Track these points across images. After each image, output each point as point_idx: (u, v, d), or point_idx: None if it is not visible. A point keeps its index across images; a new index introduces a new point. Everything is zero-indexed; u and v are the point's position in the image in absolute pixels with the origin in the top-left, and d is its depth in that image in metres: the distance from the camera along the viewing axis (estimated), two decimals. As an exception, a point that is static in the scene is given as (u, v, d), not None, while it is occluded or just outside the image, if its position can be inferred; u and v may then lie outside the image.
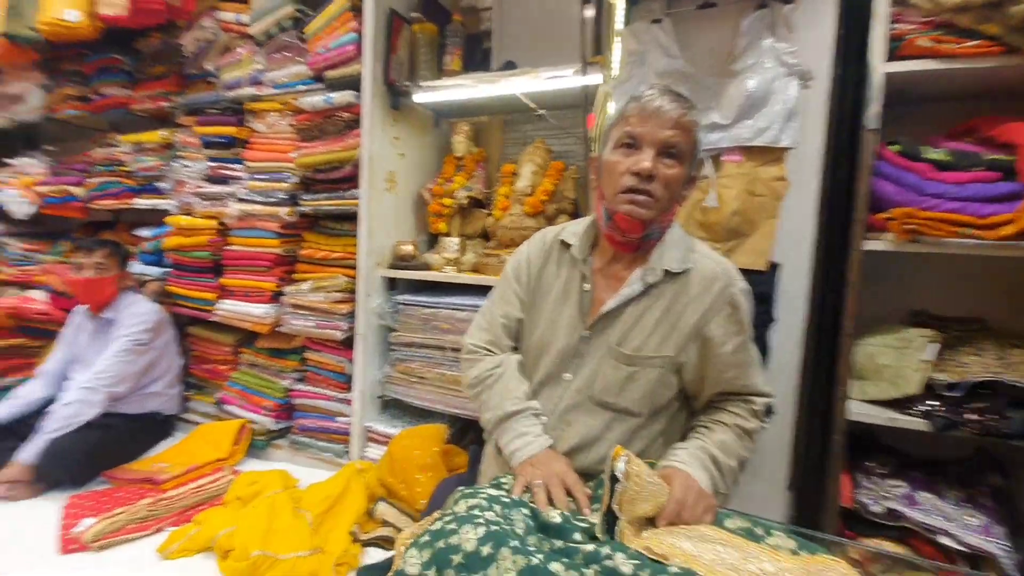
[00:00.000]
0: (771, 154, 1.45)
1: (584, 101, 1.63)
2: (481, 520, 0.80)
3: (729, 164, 1.49)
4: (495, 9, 2.05)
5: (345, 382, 1.97)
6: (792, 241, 1.54)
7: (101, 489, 1.81)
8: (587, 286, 1.10)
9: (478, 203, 1.98)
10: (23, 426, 2.02)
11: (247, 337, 2.22)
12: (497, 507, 0.87)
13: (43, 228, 2.98)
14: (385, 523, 1.56)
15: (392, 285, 1.97)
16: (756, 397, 1.09)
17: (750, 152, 1.47)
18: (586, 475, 1.02)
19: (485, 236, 1.99)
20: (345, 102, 1.82)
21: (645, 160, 0.98)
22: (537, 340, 1.14)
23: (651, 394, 1.05)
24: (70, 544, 1.51)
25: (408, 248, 1.93)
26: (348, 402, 1.95)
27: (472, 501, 0.88)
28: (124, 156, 2.43)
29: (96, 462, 1.89)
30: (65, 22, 2.14)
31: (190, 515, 1.66)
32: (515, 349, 1.21)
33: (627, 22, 1.49)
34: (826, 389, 1.35)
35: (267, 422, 2.07)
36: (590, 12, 1.51)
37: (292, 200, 1.99)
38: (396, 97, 1.89)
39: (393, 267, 1.92)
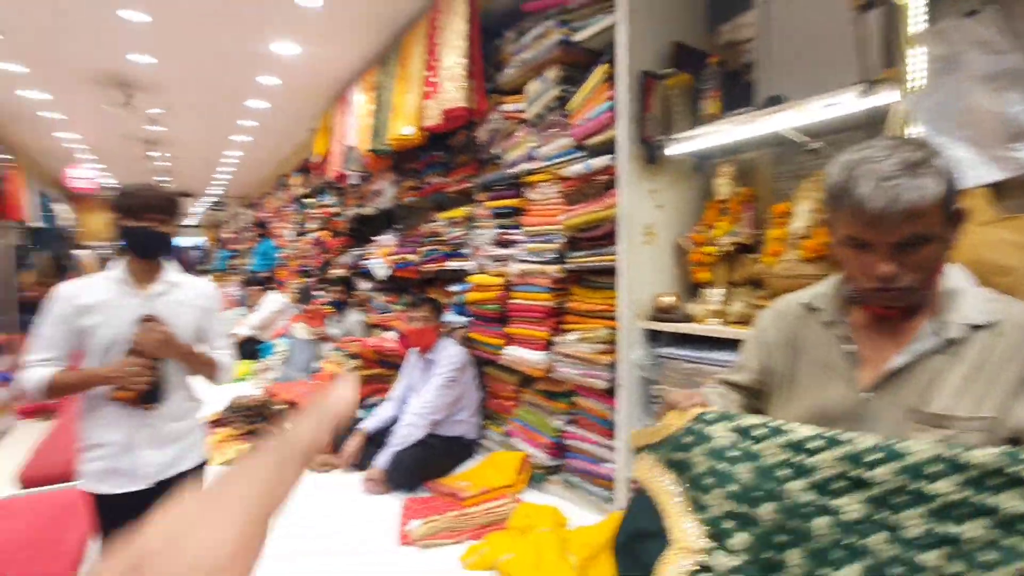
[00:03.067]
0: None
1: (870, 122, 1.36)
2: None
3: None
4: (758, 39, 1.91)
5: (610, 428, 2.04)
6: None
7: (424, 496, 2.28)
8: (851, 348, 0.93)
9: (745, 248, 1.84)
10: (380, 436, 2.73)
11: (527, 378, 2.53)
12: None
13: (393, 285, 4.02)
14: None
15: (655, 337, 1.97)
16: None
17: None
18: None
19: (755, 284, 1.82)
20: (602, 165, 1.95)
21: (883, 266, 0.81)
22: (803, 416, 0.99)
23: None
24: (405, 538, 1.96)
25: (669, 299, 1.91)
26: (613, 449, 2.01)
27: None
28: (440, 229, 3.09)
29: (422, 473, 2.40)
30: (404, 136, 2.89)
31: (482, 533, 1.96)
32: None
33: (930, 22, 1.20)
34: None
35: (543, 457, 2.29)
36: (872, 21, 1.27)
37: (560, 258, 2.20)
38: (652, 152, 1.92)
39: (653, 319, 1.93)
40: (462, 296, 2.90)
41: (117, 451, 1.50)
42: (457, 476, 2.42)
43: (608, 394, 2.02)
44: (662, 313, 1.92)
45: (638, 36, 1.88)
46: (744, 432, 0.85)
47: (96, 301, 1.48)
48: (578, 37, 2.12)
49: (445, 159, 3.10)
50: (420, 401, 2.53)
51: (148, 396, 1.50)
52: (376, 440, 2.72)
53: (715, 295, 1.80)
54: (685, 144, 1.82)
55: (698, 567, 0.78)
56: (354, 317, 3.93)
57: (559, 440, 2.27)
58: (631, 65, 1.86)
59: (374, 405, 3.17)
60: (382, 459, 2.40)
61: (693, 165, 2.09)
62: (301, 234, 6.05)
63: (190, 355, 1.58)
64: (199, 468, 1.66)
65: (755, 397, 1.10)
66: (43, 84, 4.33)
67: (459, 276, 3.07)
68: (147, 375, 1.47)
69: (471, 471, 2.45)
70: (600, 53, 2.09)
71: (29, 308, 6.08)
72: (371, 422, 2.76)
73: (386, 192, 3.68)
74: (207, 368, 1.64)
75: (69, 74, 4.09)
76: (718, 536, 0.80)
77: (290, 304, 5.15)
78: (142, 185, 1.54)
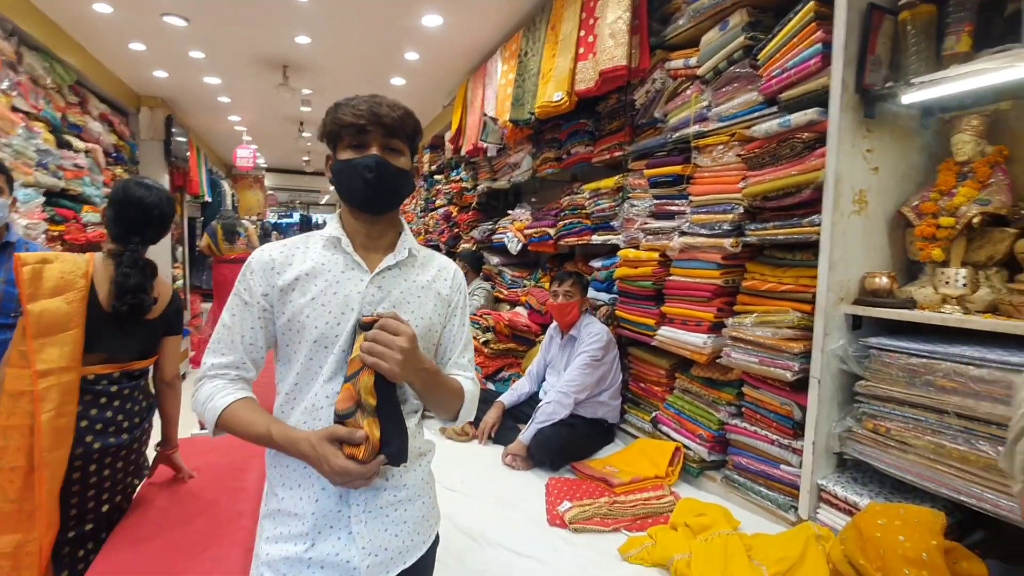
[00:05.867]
0: None
1: None
2: None
3: None
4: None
5: (791, 427, 1.79)
6: None
7: (570, 478, 2.19)
8: None
9: (1000, 220, 1.47)
10: (517, 410, 2.69)
11: (682, 363, 2.32)
12: None
13: (525, 259, 3.95)
14: (859, 613, 1.30)
15: (857, 324, 1.67)
16: None
17: None
18: None
19: (1010, 266, 1.46)
20: (806, 121, 1.66)
21: None
22: None
23: None
24: (555, 519, 1.87)
25: (883, 281, 1.60)
26: (795, 451, 1.76)
27: None
28: (584, 201, 2.94)
29: (567, 452, 2.30)
30: (554, 102, 2.75)
31: (641, 525, 1.82)
32: None
33: None
34: None
35: (701, 451, 2.09)
36: None
37: (738, 230, 1.95)
38: (871, 104, 1.60)
39: (861, 303, 1.63)
40: (607, 272, 2.74)
41: (313, 530, 0.95)
42: (603, 460, 2.30)
43: (794, 387, 1.76)
44: (872, 296, 1.62)
45: (864, -39, 1.56)
46: None
47: (309, 270, 0.99)
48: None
49: (591, 127, 2.92)
50: (564, 379, 2.43)
51: (394, 449, 0.93)
52: (512, 414, 2.68)
53: (956, 277, 1.46)
54: (925, 91, 1.49)
55: None
56: (482, 288, 3.94)
57: (722, 434, 2.05)
58: (853, -3, 1.55)
59: (507, 379, 3.15)
60: (525, 434, 2.34)
61: (918, 121, 1.73)
62: (428, 210, 6.23)
63: (436, 379, 0.99)
64: (432, 550, 1.09)
65: None
66: (216, 68, 4.80)
67: (602, 251, 2.91)
68: (377, 422, 0.90)
69: (617, 456, 2.31)
70: (802, -10, 1.78)
71: (200, 267, 6.93)
72: (509, 396, 2.72)
73: (523, 164, 3.60)
74: (449, 400, 1.03)
75: (237, 57, 4.47)
76: None
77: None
78: (362, 97, 0.99)
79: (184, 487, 1.79)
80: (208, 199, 7.42)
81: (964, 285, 1.45)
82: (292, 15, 3.58)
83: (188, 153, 6.16)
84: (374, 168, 0.97)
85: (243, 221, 6.00)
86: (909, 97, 1.52)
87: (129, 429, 1.60)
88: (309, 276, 0.99)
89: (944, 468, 1.39)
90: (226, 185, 8.36)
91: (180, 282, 6.10)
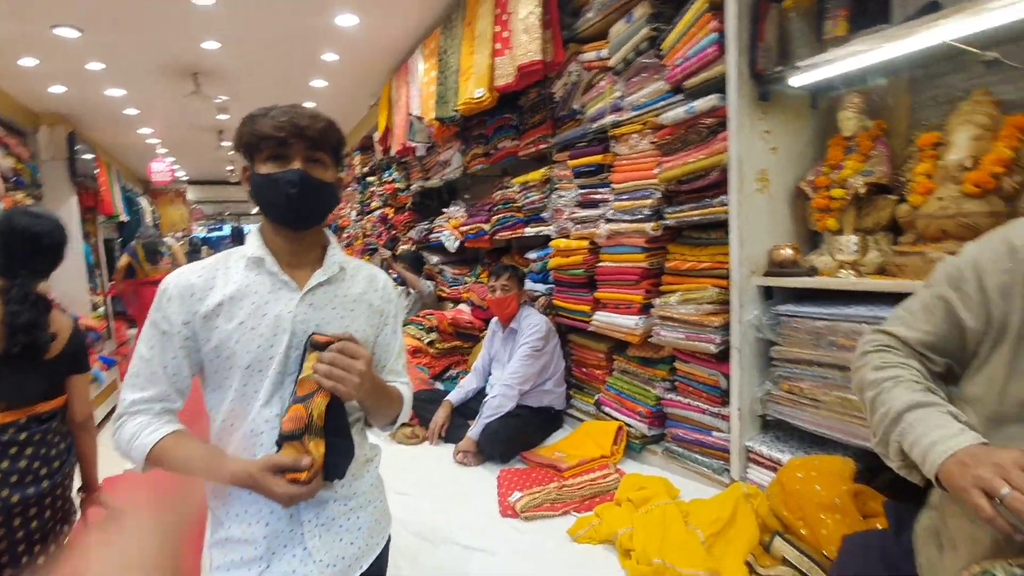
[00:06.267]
0: None
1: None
2: None
3: None
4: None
5: (719, 396, 1.90)
6: None
7: (521, 468, 2.23)
8: None
9: (882, 189, 1.61)
10: (465, 407, 2.70)
11: (618, 345, 2.40)
12: None
13: (464, 256, 3.96)
14: (785, 562, 1.41)
15: (769, 295, 1.79)
16: None
17: None
18: None
19: (893, 229, 1.60)
20: (709, 107, 1.75)
21: None
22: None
23: None
24: (507, 510, 1.91)
25: (787, 252, 1.72)
26: (724, 417, 1.87)
27: None
28: (515, 195, 2.97)
29: (515, 444, 2.34)
30: (476, 99, 2.76)
31: (589, 505, 1.88)
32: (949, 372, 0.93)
33: None
34: None
35: (642, 427, 2.18)
36: None
37: (657, 215, 2.04)
38: (765, 88, 1.71)
39: (770, 274, 1.75)
40: (542, 263, 2.79)
41: (267, 552, 0.94)
42: (551, 447, 2.35)
43: (718, 358, 1.87)
44: (780, 267, 1.74)
45: (747, -46, 1.66)
46: None
47: (233, 294, 0.95)
48: (670, -34, 1.91)
49: (516, 121, 2.95)
50: (507, 372, 2.47)
51: (332, 465, 0.92)
52: (461, 412, 2.70)
53: (847, 244, 1.59)
54: (809, 74, 1.60)
55: None
56: (427, 288, 3.92)
57: (659, 409, 2.15)
58: (741, -12, 1.65)
59: (455, 378, 3.16)
60: (474, 430, 2.36)
61: (809, 102, 1.86)
62: (364, 213, 6.10)
63: (382, 391, 1.00)
64: (385, 552, 1.10)
65: (940, 355, 0.93)
66: (119, 80, 4.49)
67: (536, 243, 2.96)
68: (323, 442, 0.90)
69: (565, 441, 2.38)
70: (698, -19, 1.87)
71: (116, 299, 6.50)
72: (456, 394, 2.73)
73: (453, 162, 3.59)
74: (391, 409, 1.04)
75: (141, 67, 4.21)
76: None
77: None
78: (281, 108, 0.94)
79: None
80: (125, 218, 6.96)
81: (855, 251, 1.59)
82: (196, 20, 3.40)
83: (97, 171, 5.74)
84: (298, 183, 0.93)
85: (166, 239, 5.67)
86: (796, 80, 1.64)
87: (49, 475, 1.50)
88: (234, 300, 0.95)
89: (851, 419, 1.52)
90: (144, 202, 7.87)
91: (102, 309, 5.71)
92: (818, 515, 1.39)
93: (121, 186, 7.16)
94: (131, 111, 5.42)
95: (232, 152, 7.48)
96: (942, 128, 1.49)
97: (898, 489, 1.47)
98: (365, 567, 1.02)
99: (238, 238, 13.37)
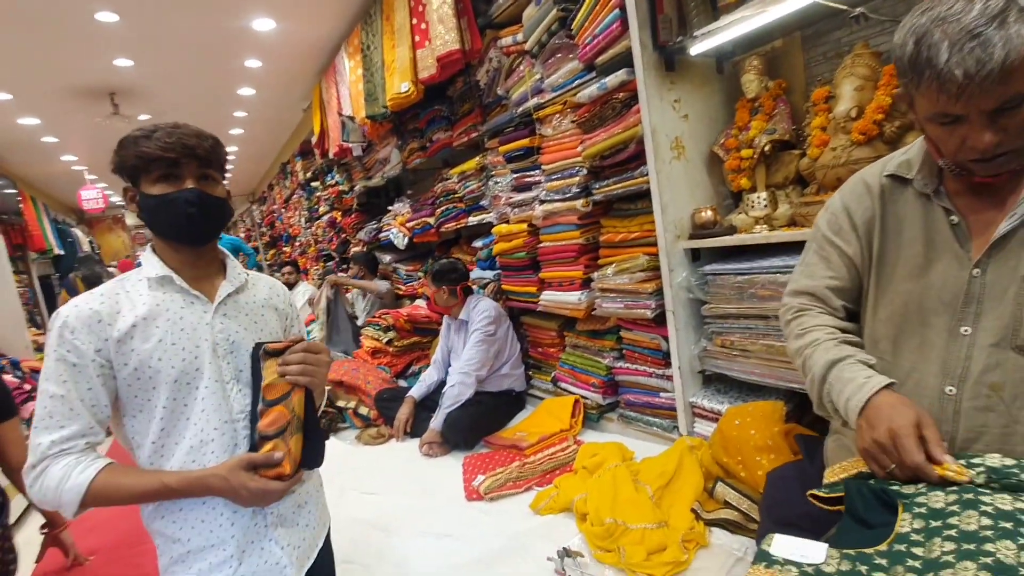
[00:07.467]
0: None
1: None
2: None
3: None
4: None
5: (662, 358, 1.98)
6: None
7: (484, 452, 2.28)
8: (955, 218, 0.84)
9: (787, 145, 1.70)
10: (429, 400, 2.73)
11: (567, 321, 2.47)
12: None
13: (416, 252, 3.95)
14: (726, 504, 1.50)
15: (696, 256, 1.87)
16: None
17: None
18: None
19: (801, 182, 1.70)
20: (619, 82, 1.81)
21: (983, 137, 0.72)
22: (900, 303, 0.90)
23: None
24: (472, 494, 1.96)
25: (707, 215, 1.80)
26: (668, 378, 1.96)
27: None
28: (455, 186, 2.99)
29: (478, 429, 2.39)
30: (402, 93, 2.75)
31: (550, 478, 1.95)
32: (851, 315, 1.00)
33: None
34: None
35: (596, 398, 2.26)
36: None
37: (586, 191, 2.09)
38: (670, 58, 1.77)
39: (694, 237, 1.83)
40: (487, 250, 2.82)
41: (237, 550, 0.98)
42: (513, 428, 2.41)
43: (657, 322, 1.95)
44: (702, 229, 1.82)
45: (638, -71, 1.70)
46: None
47: (146, 314, 0.96)
48: (570, -54, 1.94)
49: (446, 112, 2.96)
50: (463, 359, 2.51)
51: (313, 454, 1.01)
52: (426, 406, 2.72)
53: (758, 201, 1.68)
54: (707, 41, 1.67)
55: None
56: (383, 287, 3.91)
57: (611, 378, 2.22)
58: (635, -37, 1.69)
59: (418, 373, 3.17)
60: (436, 421, 2.40)
61: (715, 67, 1.93)
62: (313, 219, 6.00)
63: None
64: (328, 542, 1.18)
65: (845, 297, 1.00)
66: (29, 108, 4.26)
67: (483, 231, 2.99)
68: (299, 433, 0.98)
69: (526, 421, 2.44)
70: (597, -41, 1.91)
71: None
72: (418, 389, 2.75)
73: (392, 159, 3.57)
74: (320, 397, 1.11)
75: (52, 92, 4.01)
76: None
77: (315, 291, 5.15)
78: (164, 128, 0.95)
79: (79, 571, 1.68)
80: (59, 252, 6.64)
81: (765, 206, 1.68)
82: (102, 38, 3.25)
83: (20, 205, 5.45)
84: (196, 202, 0.96)
85: (109, 268, 5.45)
86: (696, 48, 1.70)
87: None
88: (148, 320, 0.96)
89: (778, 365, 1.62)
90: (79, 232, 7.51)
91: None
92: (754, 457, 1.49)
93: (51, 219, 6.81)
94: (49, 139, 5.15)
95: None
96: (832, 82, 1.59)
97: (825, 423, 1.60)
98: (314, 557, 1.11)
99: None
